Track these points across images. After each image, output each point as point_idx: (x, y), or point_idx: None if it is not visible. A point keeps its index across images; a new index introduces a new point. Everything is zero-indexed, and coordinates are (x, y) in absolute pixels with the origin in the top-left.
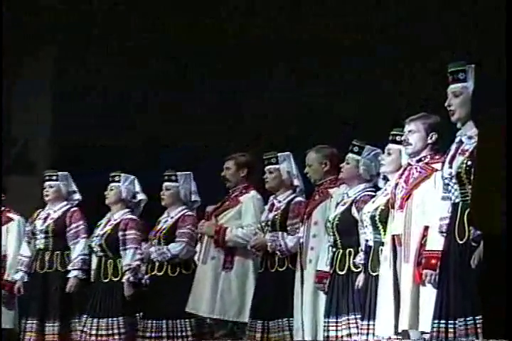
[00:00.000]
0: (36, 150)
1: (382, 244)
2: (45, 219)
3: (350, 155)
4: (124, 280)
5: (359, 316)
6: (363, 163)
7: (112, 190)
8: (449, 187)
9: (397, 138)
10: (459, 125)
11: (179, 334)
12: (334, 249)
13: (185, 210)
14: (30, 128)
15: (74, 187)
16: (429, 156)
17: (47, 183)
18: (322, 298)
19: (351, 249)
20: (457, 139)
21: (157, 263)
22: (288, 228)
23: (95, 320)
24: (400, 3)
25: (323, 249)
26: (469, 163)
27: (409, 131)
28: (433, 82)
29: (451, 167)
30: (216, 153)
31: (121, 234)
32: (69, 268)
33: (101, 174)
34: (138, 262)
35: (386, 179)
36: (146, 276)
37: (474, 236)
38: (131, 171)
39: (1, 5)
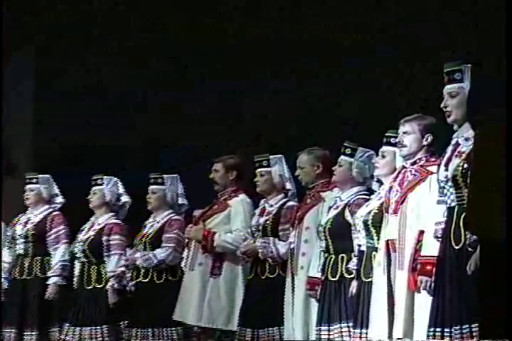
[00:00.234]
0: (36, 151)
1: (375, 249)
2: (26, 223)
3: (342, 157)
4: (108, 287)
5: (352, 324)
6: (355, 165)
7: (95, 193)
8: (445, 191)
9: (392, 139)
10: (455, 126)
11: None
12: (326, 255)
13: (172, 214)
14: (29, 129)
15: (56, 190)
16: (424, 158)
17: (27, 186)
18: (314, 305)
19: (344, 255)
20: (453, 141)
21: (142, 270)
22: (280, 233)
23: (78, 329)
24: (399, 3)
25: (315, 254)
26: (466, 165)
27: (404, 133)
28: (433, 82)
29: (447, 170)
30: (216, 153)
31: (105, 239)
32: (48, 274)
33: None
34: (122, 268)
35: (380, 182)
36: (131, 283)
37: (470, 241)
38: (131, 171)
39: (1, 5)
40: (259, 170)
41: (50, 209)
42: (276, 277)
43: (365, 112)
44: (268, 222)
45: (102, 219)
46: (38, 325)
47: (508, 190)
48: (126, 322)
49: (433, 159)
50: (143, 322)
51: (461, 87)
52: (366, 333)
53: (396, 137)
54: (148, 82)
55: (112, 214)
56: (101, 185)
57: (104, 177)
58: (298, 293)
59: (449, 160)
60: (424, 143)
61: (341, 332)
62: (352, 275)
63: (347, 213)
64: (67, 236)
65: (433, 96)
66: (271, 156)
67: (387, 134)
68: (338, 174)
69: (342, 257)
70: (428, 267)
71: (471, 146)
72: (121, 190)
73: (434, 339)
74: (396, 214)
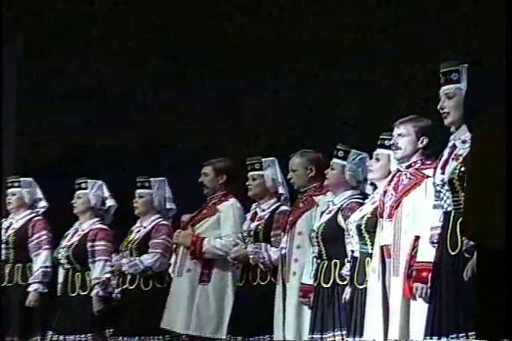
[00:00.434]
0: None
1: (369, 255)
2: (7, 229)
3: (334, 160)
4: (92, 294)
5: (345, 332)
6: (348, 168)
7: (79, 198)
8: (441, 195)
9: (386, 142)
10: (452, 129)
11: None
12: (319, 261)
13: (160, 219)
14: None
15: (39, 194)
16: (419, 161)
17: (9, 190)
18: (306, 312)
19: (337, 260)
20: (450, 143)
21: (129, 276)
22: (272, 239)
23: (61, 337)
24: (399, 3)
25: (308, 261)
26: (463, 168)
27: (399, 135)
28: (433, 82)
29: (443, 173)
30: (216, 153)
31: (89, 245)
32: (29, 281)
33: (100, 175)
34: (108, 275)
35: (374, 185)
36: (116, 290)
37: (467, 247)
38: (132, 171)
39: (1, 5)
40: (252, 173)
41: (33, 214)
42: (268, 284)
43: (365, 112)
44: (260, 227)
45: (87, 224)
46: (19, 333)
47: (508, 192)
48: (111, 330)
49: (429, 162)
50: (129, 331)
51: (459, 88)
52: None
53: (390, 139)
54: (148, 82)
55: (96, 219)
56: (85, 188)
57: (89, 180)
58: (290, 301)
59: (446, 163)
60: (420, 145)
61: (334, 340)
62: (345, 282)
63: (340, 218)
64: (49, 242)
65: (433, 97)
66: (263, 159)
67: (381, 136)
68: (330, 177)
69: (335, 263)
70: (424, 273)
71: (469, 149)
72: (106, 193)
73: None
74: (391, 219)
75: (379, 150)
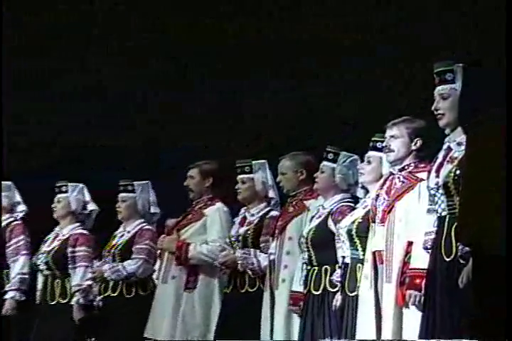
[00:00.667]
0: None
1: (360, 261)
2: None
3: (324, 163)
4: (73, 302)
5: None
6: (339, 170)
7: (59, 201)
8: (436, 199)
9: (378, 144)
10: (447, 130)
11: None
12: (309, 267)
13: (143, 224)
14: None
15: (18, 198)
16: (413, 164)
17: None
18: (296, 321)
19: (327, 267)
20: (445, 146)
21: (111, 283)
22: (261, 245)
23: None
24: (399, 3)
25: (298, 267)
26: (458, 171)
27: (392, 137)
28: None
29: (438, 176)
30: (216, 153)
31: (70, 250)
32: (6, 288)
33: (99, 175)
34: (89, 282)
35: (365, 189)
36: (98, 298)
37: (462, 253)
38: (132, 172)
39: (1, 5)
40: (241, 176)
41: (11, 219)
42: (257, 291)
43: (365, 112)
44: (249, 233)
45: (67, 229)
46: None
47: (507, 195)
48: (93, 339)
49: (422, 165)
50: (111, 340)
51: (453, 88)
52: None
53: (383, 141)
54: (148, 82)
55: (77, 224)
56: (65, 192)
57: (69, 183)
58: (278, 309)
59: (441, 166)
60: (413, 147)
61: None
62: (336, 289)
63: (330, 222)
64: (27, 247)
65: (432, 97)
66: (253, 162)
67: (373, 138)
68: (320, 181)
69: (325, 269)
70: (417, 280)
71: (464, 151)
72: (87, 197)
73: None
74: (383, 224)
75: (371, 153)
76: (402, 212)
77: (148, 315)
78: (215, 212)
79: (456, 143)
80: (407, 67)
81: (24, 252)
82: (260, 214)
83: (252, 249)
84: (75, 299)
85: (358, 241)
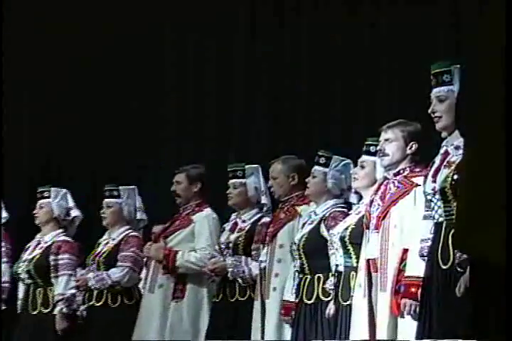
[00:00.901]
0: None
1: (354, 269)
2: None
3: (316, 167)
4: (56, 312)
5: None
6: (331, 175)
7: (41, 207)
8: (432, 205)
9: (372, 148)
10: (444, 134)
11: None
12: (301, 275)
13: (129, 230)
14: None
15: None
16: (408, 169)
17: None
18: (287, 331)
19: (320, 275)
20: (442, 150)
21: (95, 292)
22: (253, 252)
23: None
24: (394, 3)
25: (289, 275)
26: (456, 176)
27: (386, 140)
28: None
29: (434, 181)
30: (204, 158)
31: (52, 258)
32: None
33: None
34: (73, 291)
35: (358, 193)
36: (82, 307)
37: (460, 261)
38: (117, 176)
39: (1, 5)
40: (233, 181)
41: None
42: (247, 300)
43: (365, 112)
44: (240, 239)
45: (50, 236)
46: None
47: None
48: None
49: (418, 169)
50: None
51: (451, 90)
52: None
53: (376, 145)
54: (132, 85)
55: (60, 230)
56: (48, 197)
57: (52, 188)
58: (269, 318)
59: (437, 170)
60: (409, 151)
61: None
62: (329, 298)
63: (323, 228)
64: (7, 255)
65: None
66: (246, 166)
67: (366, 142)
68: (311, 186)
69: (318, 277)
70: (412, 289)
71: (462, 155)
72: (70, 203)
73: None
74: (377, 231)
75: (364, 157)
76: (397, 218)
77: (134, 326)
78: (204, 218)
79: (453, 146)
80: (407, 67)
81: (5, 260)
82: (252, 220)
83: (243, 257)
84: (57, 309)
85: (351, 249)
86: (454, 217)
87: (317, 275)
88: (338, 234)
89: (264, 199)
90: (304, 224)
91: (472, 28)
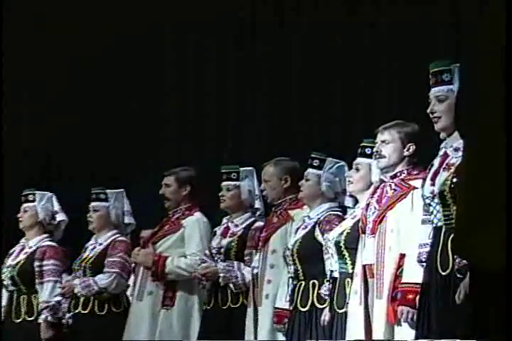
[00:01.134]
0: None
1: (349, 275)
2: None
3: (309, 170)
4: (40, 320)
5: None
6: (325, 178)
7: (25, 211)
8: (431, 209)
9: (367, 150)
10: (443, 135)
11: None
12: (295, 281)
13: (117, 235)
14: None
15: None
16: (405, 171)
17: None
18: (281, 339)
19: (315, 281)
20: (441, 152)
21: (81, 299)
22: (245, 258)
23: None
24: (394, 3)
25: (282, 282)
26: (455, 179)
27: (383, 142)
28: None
29: (433, 184)
30: (194, 160)
31: (37, 264)
32: None
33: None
34: (58, 298)
35: (354, 197)
36: (67, 315)
37: (460, 267)
38: (104, 179)
39: (1, 5)
40: (226, 183)
41: None
42: (240, 307)
43: (365, 112)
44: (232, 244)
45: (34, 241)
46: None
47: (508, 204)
48: None
49: (416, 172)
50: None
51: (451, 90)
52: None
53: (372, 147)
54: (120, 88)
55: (45, 235)
56: (32, 201)
57: (37, 192)
58: (262, 326)
59: (436, 173)
60: (406, 153)
61: None
62: (324, 305)
63: (317, 232)
64: None
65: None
66: (241, 168)
67: (362, 144)
68: (305, 189)
69: (313, 283)
70: (410, 296)
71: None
72: (56, 206)
73: None
74: (374, 235)
75: (359, 160)
76: (393, 223)
77: (122, 334)
78: (194, 223)
79: (452, 148)
80: (403, 68)
81: None
82: (244, 224)
83: (235, 262)
84: (42, 317)
85: (347, 254)
86: (453, 221)
87: (312, 281)
88: (333, 239)
89: (257, 204)
90: (297, 229)
91: (472, 28)
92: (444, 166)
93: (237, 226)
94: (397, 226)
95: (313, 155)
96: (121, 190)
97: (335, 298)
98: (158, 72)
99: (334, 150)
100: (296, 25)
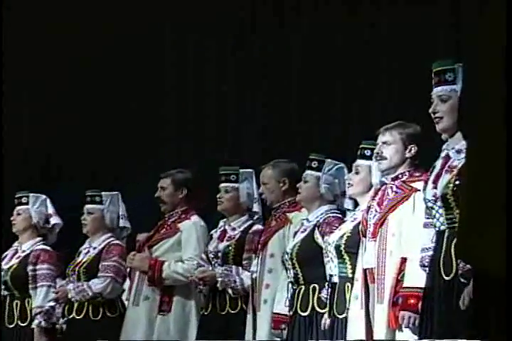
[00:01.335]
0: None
1: (349, 280)
2: None
3: (308, 172)
4: (34, 325)
5: None
6: (324, 179)
7: (19, 214)
8: (433, 212)
9: (367, 152)
10: (444, 136)
11: None
12: (295, 286)
13: (112, 239)
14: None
15: None
16: (407, 173)
17: None
18: None
19: (315, 285)
20: (443, 153)
21: (76, 304)
22: (244, 262)
23: None
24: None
25: (281, 287)
26: (458, 182)
27: (384, 143)
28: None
29: (435, 187)
30: (190, 162)
31: (30, 268)
32: None
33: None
34: (52, 303)
35: (353, 199)
36: (61, 320)
37: (463, 271)
38: (99, 182)
39: (1, 5)
40: (225, 184)
41: None
42: (239, 313)
43: (365, 113)
44: (230, 248)
45: (28, 244)
46: None
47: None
48: None
49: (418, 174)
50: None
51: (454, 90)
52: None
53: (372, 149)
54: (116, 90)
55: (39, 239)
56: (26, 204)
57: (30, 194)
58: (260, 332)
59: (439, 176)
60: (408, 154)
61: None
62: (325, 310)
63: (317, 235)
64: None
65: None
66: (241, 170)
67: (361, 146)
68: (303, 191)
69: (314, 287)
70: (412, 301)
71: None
72: (50, 209)
73: None
74: (374, 239)
75: (359, 162)
76: (395, 226)
77: (118, 340)
78: (191, 226)
79: (455, 150)
80: (403, 68)
81: None
82: (242, 228)
83: (233, 266)
84: (36, 322)
85: (347, 258)
86: (456, 225)
87: (312, 285)
88: (334, 242)
89: (255, 207)
90: (295, 233)
91: (472, 28)
92: (446, 169)
93: (234, 229)
94: (398, 229)
95: (311, 157)
96: (116, 192)
97: (334, 303)
98: (158, 72)
99: (334, 151)
100: (296, 25)
